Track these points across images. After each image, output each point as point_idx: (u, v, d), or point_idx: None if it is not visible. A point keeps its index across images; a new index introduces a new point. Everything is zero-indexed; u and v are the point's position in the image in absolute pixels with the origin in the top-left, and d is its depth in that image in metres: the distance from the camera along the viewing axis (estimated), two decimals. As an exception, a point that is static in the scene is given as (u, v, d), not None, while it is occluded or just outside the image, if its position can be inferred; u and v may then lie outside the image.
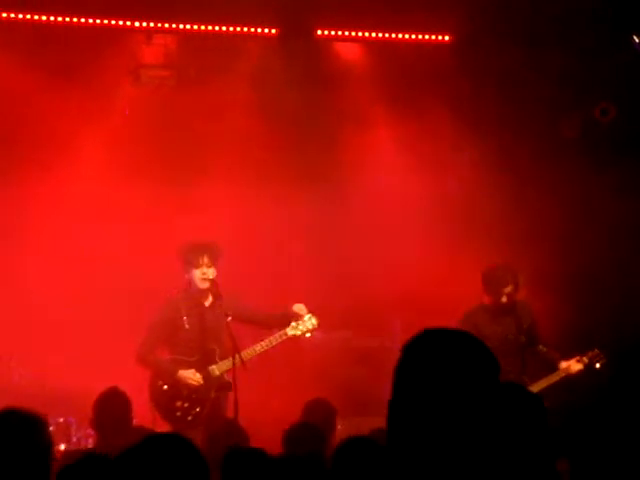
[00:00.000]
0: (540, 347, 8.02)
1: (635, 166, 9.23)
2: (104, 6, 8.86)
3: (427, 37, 9.62)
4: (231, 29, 9.26)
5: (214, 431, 6.03)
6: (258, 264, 9.10)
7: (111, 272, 8.82)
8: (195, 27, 9.19)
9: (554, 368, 7.92)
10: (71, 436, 7.69)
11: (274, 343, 7.63)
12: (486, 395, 2.12)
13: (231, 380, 7.26)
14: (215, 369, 7.55)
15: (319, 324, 7.79)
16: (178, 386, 7.50)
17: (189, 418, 7.46)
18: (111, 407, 5.92)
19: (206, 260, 7.56)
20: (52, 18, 8.83)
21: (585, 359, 7.92)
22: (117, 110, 9.29)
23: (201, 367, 7.56)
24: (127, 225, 9.00)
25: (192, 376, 7.51)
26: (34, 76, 8.71)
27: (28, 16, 8.79)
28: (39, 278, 8.77)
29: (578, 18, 9.01)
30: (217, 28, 9.23)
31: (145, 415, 7.40)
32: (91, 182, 9.03)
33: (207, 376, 7.54)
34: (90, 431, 7.01)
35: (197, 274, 7.57)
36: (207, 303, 7.68)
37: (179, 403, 7.49)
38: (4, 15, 8.75)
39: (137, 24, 9.08)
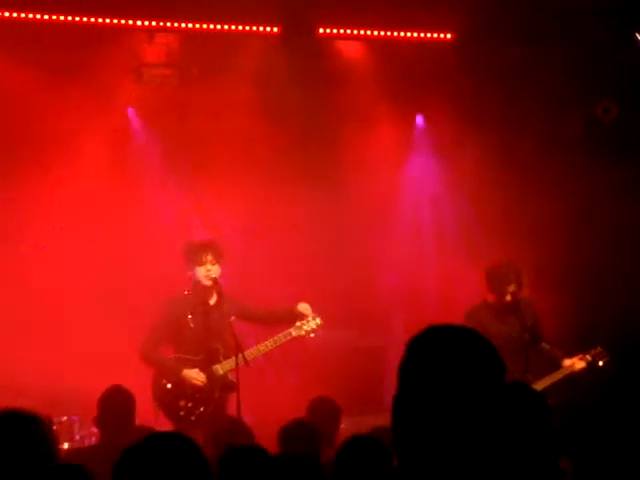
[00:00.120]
0: (543, 345, 8.02)
1: (638, 164, 9.22)
2: (106, 5, 8.87)
3: (429, 35, 9.62)
4: (233, 28, 9.26)
5: (219, 430, 6.04)
6: (260, 262, 9.10)
7: (114, 270, 8.82)
8: (197, 26, 9.19)
9: (557, 366, 7.91)
10: (74, 434, 7.68)
11: (278, 343, 7.62)
12: (491, 392, 2.12)
13: (235, 380, 7.26)
14: (219, 368, 7.55)
15: (323, 324, 7.79)
16: (182, 385, 7.49)
17: (192, 418, 7.46)
18: (115, 405, 5.92)
19: (210, 258, 7.56)
20: (54, 17, 8.83)
21: (588, 357, 7.91)
22: (119, 109, 9.30)
23: (205, 366, 7.55)
24: (129, 224, 9.01)
25: (196, 375, 7.50)
26: (36, 75, 8.72)
27: (30, 15, 8.79)
28: (42, 277, 8.77)
29: (580, 16, 9.01)
30: (219, 27, 9.23)
31: (148, 413, 7.41)
32: (92, 181, 9.03)
33: (211, 375, 7.53)
34: (93, 429, 7.01)
35: (201, 272, 7.56)
36: (212, 302, 7.67)
37: (183, 402, 7.48)
38: (6, 14, 8.75)
39: (139, 23, 9.08)
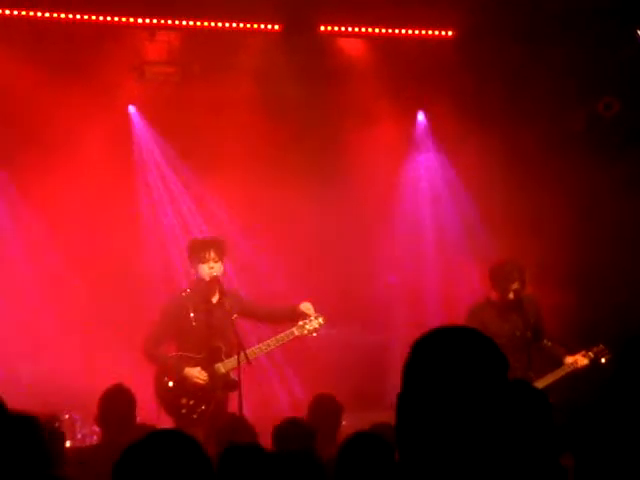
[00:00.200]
0: (545, 342, 8.01)
1: (639, 160, 9.23)
2: (108, 3, 8.87)
3: (430, 32, 9.62)
4: (234, 25, 9.26)
5: (221, 427, 6.04)
6: (261, 259, 9.10)
7: (116, 268, 8.82)
8: (198, 23, 9.20)
9: (559, 363, 7.90)
10: (76, 433, 7.69)
11: (280, 342, 7.61)
12: (495, 393, 2.12)
13: (236, 378, 7.26)
14: (221, 367, 7.54)
15: (325, 323, 7.78)
16: (184, 383, 7.49)
17: (194, 416, 7.45)
18: (116, 404, 5.92)
19: (213, 255, 7.55)
20: (55, 15, 8.84)
21: (591, 354, 7.91)
22: (121, 107, 9.30)
23: (207, 365, 7.54)
24: (131, 221, 9.01)
25: (198, 374, 7.49)
26: (38, 73, 8.72)
27: (32, 13, 8.80)
28: (44, 275, 8.78)
29: (581, 13, 9.01)
30: (220, 24, 9.23)
31: (150, 411, 7.42)
32: (94, 178, 9.03)
33: (213, 374, 7.52)
34: (95, 428, 7.01)
35: (204, 269, 7.56)
36: (214, 300, 7.66)
37: (184, 400, 7.48)
38: (7, 12, 8.76)
39: (140, 21, 9.08)
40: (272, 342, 7.59)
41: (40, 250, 8.81)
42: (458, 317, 7.57)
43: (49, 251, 8.83)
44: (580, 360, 7.89)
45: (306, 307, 7.71)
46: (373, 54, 9.68)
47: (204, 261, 7.55)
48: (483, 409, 2.11)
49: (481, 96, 9.57)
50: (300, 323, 7.67)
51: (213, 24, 9.21)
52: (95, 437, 7.34)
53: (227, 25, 9.23)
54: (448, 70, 9.51)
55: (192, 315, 7.58)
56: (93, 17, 8.91)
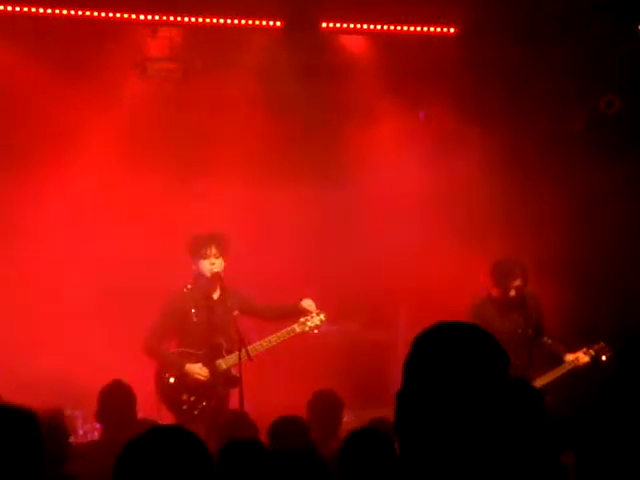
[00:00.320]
0: (545, 339, 8.02)
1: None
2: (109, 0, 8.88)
3: (432, 30, 9.60)
4: (236, 22, 9.26)
5: (223, 423, 6.05)
6: (263, 257, 9.10)
7: (117, 265, 8.83)
8: (200, 20, 9.19)
9: (559, 361, 7.91)
10: (77, 429, 7.70)
11: (282, 339, 7.62)
12: (496, 388, 2.13)
13: (238, 375, 7.26)
14: (222, 363, 7.54)
15: (327, 320, 7.79)
16: (185, 379, 7.49)
17: (195, 412, 7.46)
18: (115, 400, 5.93)
19: (214, 251, 7.55)
20: (57, 11, 8.84)
21: (591, 351, 7.91)
22: (123, 103, 9.30)
23: (208, 361, 7.54)
24: (132, 218, 9.01)
25: (199, 370, 7.50)
26: (39, 70, 8.72)
27: (33, 9, 8.80)
28: (45, 272, 8.79)
29: (582, 10, 9.00)
30: (222, 21, 9.23)
31: (151, 407, 7.43)
32: (96, 176, 9.03)
33: (214, 370, 7.52)
34: (96, 424, 7.02)
35: (205, 265, 7.56)
36: (215, 296, 7.66)
37: (185, 396, 7.48)
38: (9, 8, 8.75)
39: (142, 17, 9.08)
40: (273, 339, 7.59)
41: (42, 247, 8.81)
42: (460, 315, 7.57)
43: (51, 248, 8.84)
44: (581, 358, 7.90)
45: (307, 304, 7.71)
46: (375, 51, 9.68)
47: (205, 257, 7.55)
48: (483, 406, 2.11)
49: (482, 94, 9.57)
50: (301, 320, 7.67)
51: (215, 20, 9.21)
52: (96, 433, 7.36)
53: (229, 22, 9.23)
54: (449, 67, 9.50)
55: (193, 311, 7.59)
56: (95, 13, 8.91)
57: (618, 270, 9.53)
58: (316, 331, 7.74)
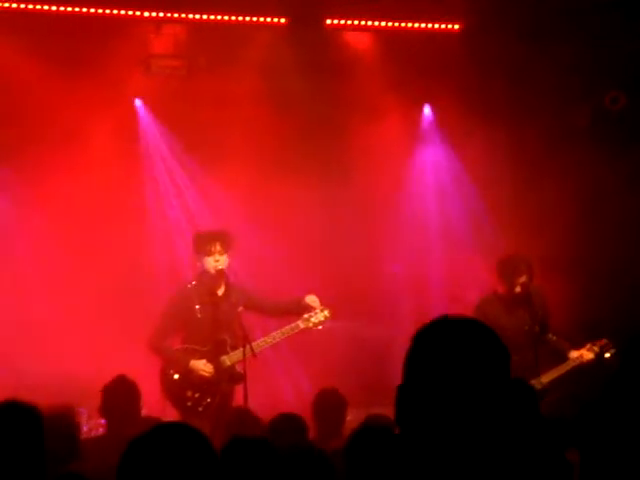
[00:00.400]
0: (550, 336, 8.01)
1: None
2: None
3: (436, 26, 9.59)
4: (241, 19, 9.26)
5: (229, 420, 6.05)
6: (267, 253, 9.10)
7: (121, 263, 8.83)
8: (205, 17, 9.19)
9: (563, 358, 7.90)
10: (82, 426, 7.70)
11: (286, 335, 7.62)
12: (496, 383, 2.13)
13: (242, 371, 7.26)
14: (226, 359, 7.54)
15: (331, 316, 7.78)
16: (189, 376, 7.49)
17: (200, 408, 7.46)
18: (118, 395, 5.94)
19: (218, 248, 7.55)
20: (62, 8, 8.84)
21: (596, 348, 7.90)
22: (127, 100, 9.30)
23: (212, 357, 7.55)
24: (137, 215, 9.02)
25: (203, 366, 7.50)
26: (43, 67, 8.73)
27: (38, 6, 8.80)
28: (50, 269, 8.79)
29: (587, 6, 8.99)
30: (227, 18, 9.23)
31: (156, 403, 7.44)
32: (100, 172, 9.04)
33: (218, 367, 7.52)
34: (100, 421, 7.03)
35: (209, 262, 7.55)
36: (220, 292, 7.66)
37: (190, 393, 7.49)
38: (14, 5, 8.76)
39: (147, 14, 9.08)
40: (277, 335, 7.59)
41: (46, 245, 8.81)
42: (464, 311, 7.56)
43: (55, 246, 8.84)
44: (585, 354, 7.89)
45: (312, 300, 7.71)
46: (379, 47, 9.67)
47: (210, 254, 7.55)
48: (482, 399, 2.11)
49: (486, 90, 9.56)
50: (305, 316, 7.67)
51: (220, 17, 9.21)
52: (101, 430, 7.36)
53: (233, 18, 9.23)
54: (454, 64, 9.50)
55: (197, 307, 7.59)
56: (100, 10, 8.91)
57: (623, 266, 9.52)
58: (320, 327, 7.73)
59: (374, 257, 9.48)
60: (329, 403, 6.32)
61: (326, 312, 7.71)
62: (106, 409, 5.96)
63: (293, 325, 7.65)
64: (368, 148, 9.52)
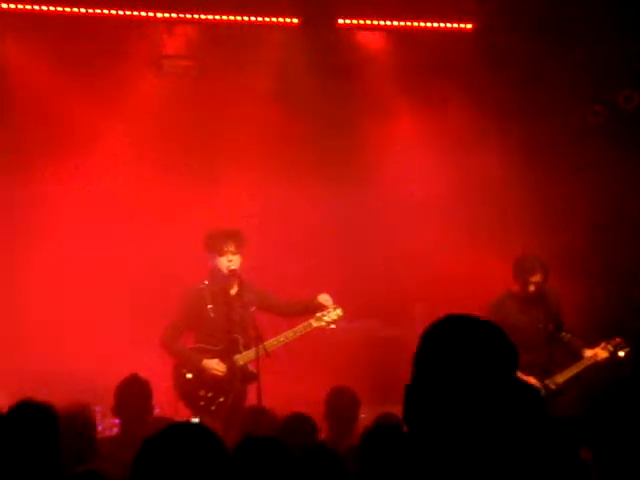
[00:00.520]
0: (564, 334, 7.98)
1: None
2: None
3: (449, 25, 9.57)
4: (253, 19, 9.27)
5: (243, 419, 6.06)
6: (277, 255, 9.10)
7: (136, 261, 8.85)
8: (217, 17, 9.21)
9: (578, 356, 7.88)
10: (96, 425, 7.72)
11: (298, 334, 7.61)
12: (501, 383, 2.13)
13: (255, 370, 7.27)
14: (239, 359, 7.55)
15: (344, 315, 7.77)
16: (202, 375, 7.50)
17: (212, 407, 7.47)
18: (131, 394, 5.96)
19: (232, 248, 7.54)
20: (75, 9, 8.87)
21: (610, 347, 7.88)
22: (140, 100, 9.32)
23: (225, 357, 7.55)
24: (148, 215, 9.04)
25: (216, 366, 7.50)
26: (56, 68, 8.77)
27: (51, 8, 8.83)
28: (65, 268, 8.82)
29: (601, 5, 8.96)
30: (239, 18, 9.24)
31: (169, 403, 7.46)
32: (115, 173, 9.07)
33: (231, 366, 7.53)
34: (114, 420, 7.05)
35: (222, 262, 7.55)
36: (233, 292, 7.66)
37: (203, 392, 7.49)
38: (28, 7, 8.80)
39: (159, 15, 9.10)
40: (290, 334, 7.59)
41: (62, 246, 8.84)
42: (479, 311, 7.54)
43: (70, 246, 8.87)
44: (600, 353, 7.86)
45: (324, 299, 7.70)
46: (391, 47, 9.66)
47: (223, 254, 7.55)
48: (489, 398, 2.11)
49: (499, 90, 9.53)
50: (318, 314, 7.66)
51: (232, 18, 9.21)
52: (115, 429, 7.38)
53: (246, 19, 9.24)
54: (467, 63, 9.48)
55: (210, 307, 7.59)
56: (112, 12, 8.93)
57: (637, 265, 9.48)
58: (333, 326, 7.72)
59: (388, 255, 9.47)
60: (342, 402, 6.33)
61: (339, 311, 7.70)
62: (119, 408, 5.99)
63: (306, 324, 7.64)
64: (381, 148, 9.51)
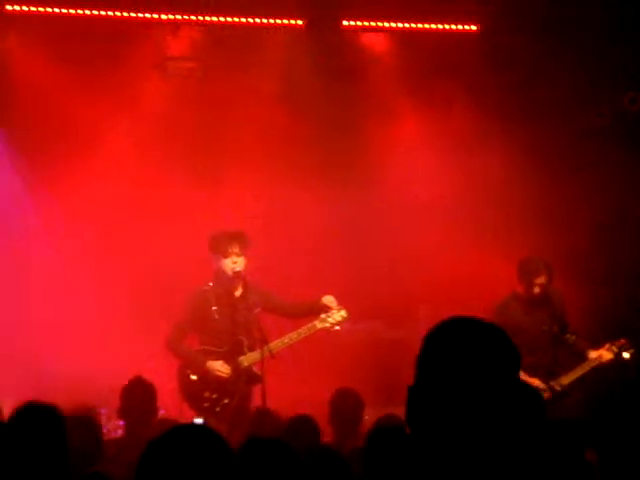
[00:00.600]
0: (568, 336, 7.98)
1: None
2: (131, 0, 8.93)
3: (454, 27, 9.57)
4: (257, 21, 9.27)
5: (249, 420, 6.07)
6: (281, 257, 9.10)
7: (141, 263, 8.86)
8: (222, 19, 9.22)
9: (583, 357, 7.88)
10: (101, 427, 7.72)
11: (303, 335, 7.61)
12: (503, 386, 2.13)
13: (259, 372, 7.27)
14: (244, 360, 7.55)
15: (348, 316, 7.77)
16: (207, 377, 7.50)
17: (217, 409, 7.47)
18: (134, 396, 5.98)
19: (236, 249, 7.54)
20: (80, 11, 8.89)
21: (614, 348, 7.88)
22: (145, 102, 9.33)
23: (230, 358, 7.56)
24: (153, 217, 9.04)
25: (221, 367, 7.51)
26: (60, 70, 8.78)
27: (56, 9, 8.85)
28: (70, 269, 8.83)
29: (606, 6, 8.95)
30: (244, 20, 9.25)
31: (173, 405, 7.46)
32: (121, 174, 9.08)
33: (236, 367, 7.54)
34: (119, 422, 7.06)
35: (227, 263, 7.55)
36: (237, 293, 7.67)
37: (207, 394, 7.50)
38: (33, 9, 8.82)
39: (164, 17, 9.12)
40: (294, 335, 7.58)
41: (67, 246, 8.86)
42: (481, 313, 7.54)
43: (76, 247, 8.88)
44: (605, 354, 7.86)
45: (328, 300, 7.69)
46: (396, 49, 9.66)
47: (227, 255, 7.55)
48: (492, 402, 2.11)
49: (504, 91, 9.53)
50: (322, 316, 7.65)
51: (237, 19, 9.22)
52: (120, 431, 7.39)
53: (250, 21, 9.24)
54: (471, 65, 9.48)
55: (214, 309, 7.60)
56: (117, 13, 8.95)
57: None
58: (337, 327, 7.71)
59: (392, 257, 9.47)
60: (346, 403, 6.33)
61: (343, 312, 7.69)
62: (124, 410, 6.01)
63: (310, 325, 7.63)
64: (385, 149, 9.51)
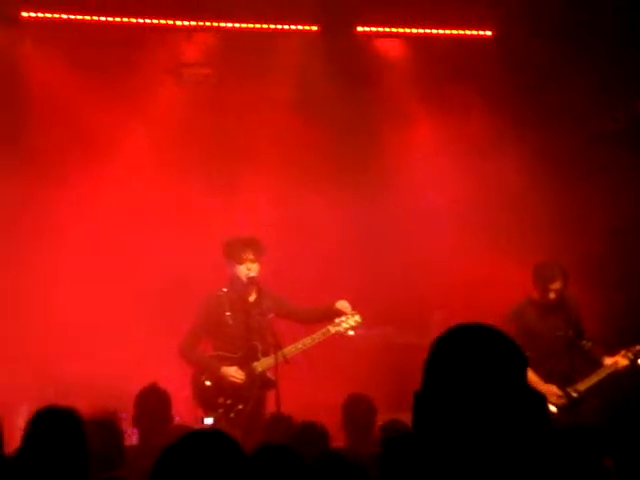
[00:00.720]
0: (584, 342, 7.95)
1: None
2: (145, 6, 8.95)
3: (468, 33, 9.57)
4: (272, 26, 9.29)
5: (264, 426, 6.06)
6: (299, 261, 9.11)
7: (156, 268, 8.87)
8: (236, 25, 9.24)
9: (598, 364, 7.84)
10: (123, 431, 7.71)
11: (317, 341, 7.59)
12: (510, 392, 2.12)
13: (273, 378, 7.27)
14: (258, 366, 7.55)
15: (362, 321, 7.75)
16: (221, 382, 7.50)
17: (231, 415, 7.47)
18: (148, 404, 5.97)
19: (250, 256, 7.55)
20: (95, 18, 8.93)
21: (630, 354, 7.84)
22: (159, 108, 9.36)
23: (244, 364, 7.56)
24: (168, 222, 9.06)
25: (235, 373, 7.51)
26: (76, 76, 8.82)
27: (72, 16, 8.90)
28: (86, 273, 8.85)
29: (620, 11, 8.93)
30: (258, 26, 9.27)
31: (188, 411, 7.47)
32: (132, 179, 9.10)
33: (250, 373, 7.54)
34: (134, 429, 7.07)
35: (241, 270, 7.56)
36: (251, 299, 7.67)
37: (221, 399, 7.50)
38: (48, 15, 8.87)
39: (179, 23, 9.15)
40: (308, 341, 7.57)
41: (81, 253, 8.87)
42: (493, 319, 7.52)
43: (90, 254, 8.90)
44: (620, 361, 7.82)
45: (342, 305, 7.68)
46: (410, 54, 9.67)
47: (242, 262, 7.56)
48: (499, 408, 2.11)
49: (519, 96, 9.52)
50: (336, 320, 7.64)
51: (251, 25, 9.24)
52: (134, 438, 7.39)
53: (265, 26, 9.26)
54: (486, 70, 9.47)
55: (228, 314, 7.60)
56: (132, 19, 8.99)
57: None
58: (351, 332, 7.69)
59: (405, 262, 9.46)
60: (359, 409, 6.32)
61: (357, 317, 7.68)
62: (138, 418, 6.01)
63: (324, 330, 7.62)
64: (400, 155, 9.51)
